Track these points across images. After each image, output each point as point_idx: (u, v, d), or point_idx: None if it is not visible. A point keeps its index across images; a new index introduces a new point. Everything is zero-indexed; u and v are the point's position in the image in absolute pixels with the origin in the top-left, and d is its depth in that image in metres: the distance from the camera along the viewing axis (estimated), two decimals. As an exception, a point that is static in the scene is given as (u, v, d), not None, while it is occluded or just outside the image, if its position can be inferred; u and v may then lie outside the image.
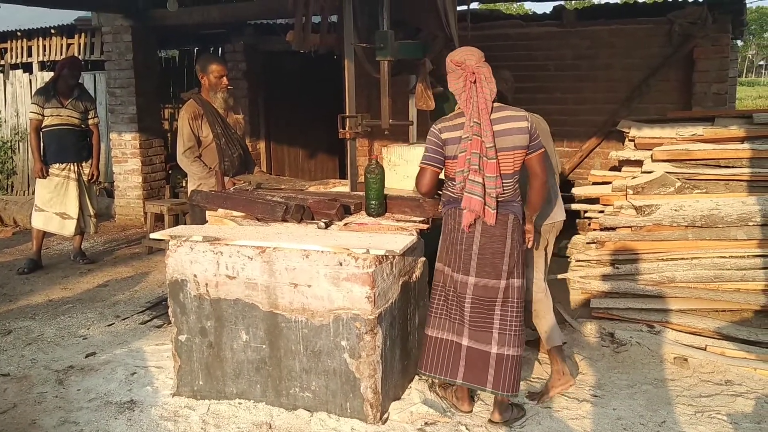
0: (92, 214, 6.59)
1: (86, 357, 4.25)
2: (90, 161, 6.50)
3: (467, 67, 3.13)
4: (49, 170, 6.29)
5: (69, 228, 6.42)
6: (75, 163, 6.39)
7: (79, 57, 10.26)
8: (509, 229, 3.20)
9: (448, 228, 3.29)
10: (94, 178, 6.57)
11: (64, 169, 6.33)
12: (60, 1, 7.75)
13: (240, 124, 4.97)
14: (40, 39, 10.60)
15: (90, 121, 6.49)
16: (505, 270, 3.20)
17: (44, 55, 10.67)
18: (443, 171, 3.33)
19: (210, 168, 4.68)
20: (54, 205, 6.34)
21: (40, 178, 6.28)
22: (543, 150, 3.26)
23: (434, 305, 3.38)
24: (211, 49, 10.57)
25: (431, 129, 3.26)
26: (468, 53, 3.18)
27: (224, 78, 4.78)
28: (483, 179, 3.08)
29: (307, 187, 4.43)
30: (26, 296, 5.63)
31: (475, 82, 3.10)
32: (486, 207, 3.12)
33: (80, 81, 6.66)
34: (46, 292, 5.72)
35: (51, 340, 4.58)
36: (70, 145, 6.36)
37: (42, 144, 6.32)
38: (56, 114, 6.26)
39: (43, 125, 6.27)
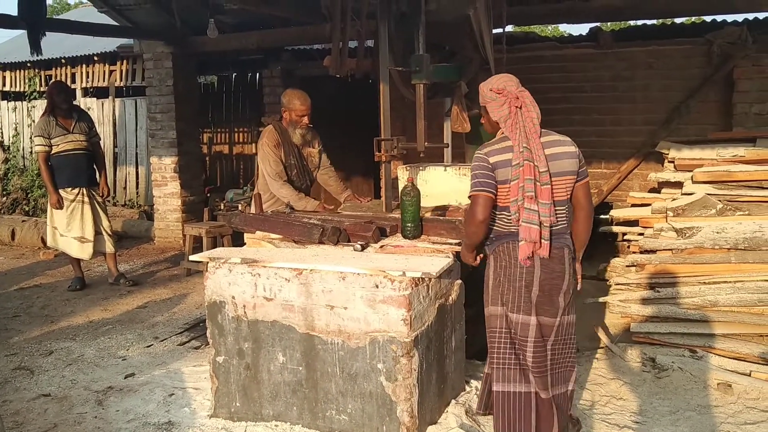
0: (109, 233, 6.65)
1: (125, 378, 4.29)
2: (98, 184, 6.65)
3: (510, 93, 2.99)
4: (62, 194, 6.36)
5: (88, 251, 6.50)
6: (86, 188, 6.47)
7: (120, 83, 10.57)
8: (566, 264, 3.05)
9: (500, 266, 3.05)
10: (106, 194, 6.70)
11: (77, 193, 6.41)
12: (103, 30, 7.96)
13: (312, 157, 5.01)
14: (84, 66, 10.91)
15: (93, 139, 6.62)
16: (561, 307, 3.04)
17: (87, 81, 10.98)
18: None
19: (299, 192, 4.73)
20: (72, 230, 6.42)
21: (57, 209, 6.37)
22: (588, 178, 3.13)
23: (499, 355, 3.09)
24: (249, 75, 10.78)
25: (476, 155, 3.03)
26: (506, 80, 3.05)
27: (306, 117, 4.77)
28: (538, 206, 2.90)
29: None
30: (67, 317, 5.73)
31: (520, 107, 2.97)
32: (541, 239, 2.92)
33: (74, 102, 6.79)
34: (86, 313, 5.81)
35: (91, 360, 4.65)
36: (83, 170, 6.48)
37: (52, 170, 6.37)
38: (65, 141, 6.35)
39: (53, 152, 6.33)
